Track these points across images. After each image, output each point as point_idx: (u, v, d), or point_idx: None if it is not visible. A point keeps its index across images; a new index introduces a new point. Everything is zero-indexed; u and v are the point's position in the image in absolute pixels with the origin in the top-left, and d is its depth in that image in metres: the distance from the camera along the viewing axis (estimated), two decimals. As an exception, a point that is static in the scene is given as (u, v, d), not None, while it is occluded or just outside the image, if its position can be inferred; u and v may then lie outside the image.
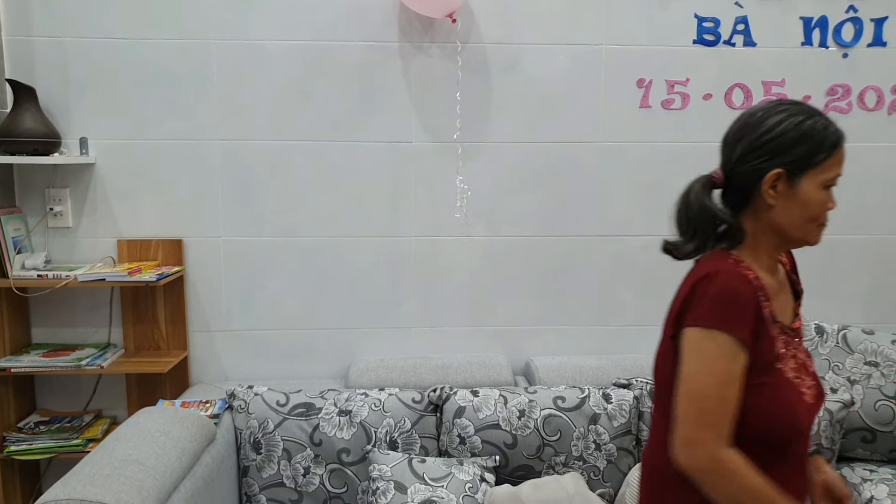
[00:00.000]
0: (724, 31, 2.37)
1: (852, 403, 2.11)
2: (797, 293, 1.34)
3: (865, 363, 2.22)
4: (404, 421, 2.06)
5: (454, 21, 2.24)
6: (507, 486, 1.96)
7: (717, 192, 1.26)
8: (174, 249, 2.36)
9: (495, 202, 2.41)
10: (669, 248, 1.28)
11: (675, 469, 1.17)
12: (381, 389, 2.13)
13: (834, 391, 2.21)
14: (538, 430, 2.05)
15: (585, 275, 2.48)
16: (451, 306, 2.47)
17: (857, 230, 2.48)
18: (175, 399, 2.21)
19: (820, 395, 1.26)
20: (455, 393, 2.09)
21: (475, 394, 2.10)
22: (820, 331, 2.33)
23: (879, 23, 2.37)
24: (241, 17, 2.28)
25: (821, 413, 2.02)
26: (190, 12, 2.27)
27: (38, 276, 2.18)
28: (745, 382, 1.16)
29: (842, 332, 2.30)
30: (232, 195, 2.36)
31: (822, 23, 2.37)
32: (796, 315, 1.30)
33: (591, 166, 2.42)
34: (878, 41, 2.39)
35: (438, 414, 2.10)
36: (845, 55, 2.40)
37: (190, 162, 2.34)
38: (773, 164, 1.18)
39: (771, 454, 1.19)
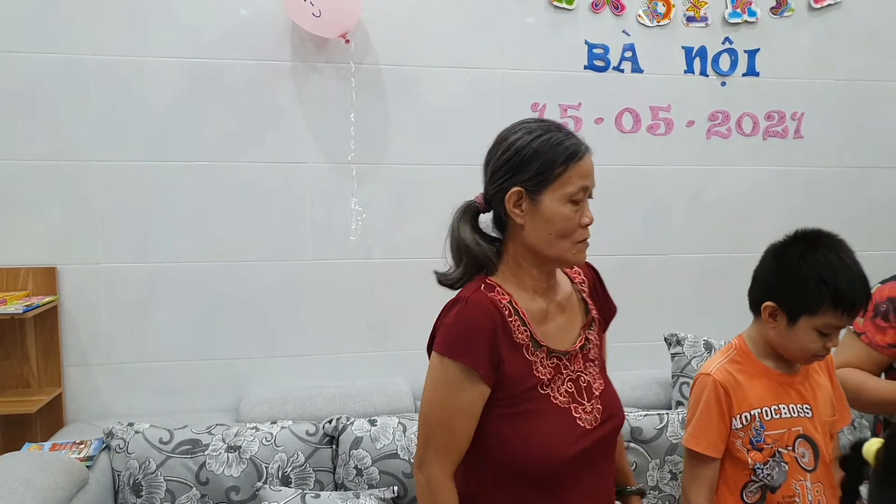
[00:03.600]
0: (613, 58, 2.45)
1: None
2: (598, 313, 1.33)
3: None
4: (297, 455, 1.97)
5: (347, 42, 2.20)
6: (405, 517, 1.90)
7: (486, 217, 1.26)
8: (46, 278, 2.18)
9: (393, 224, 2.38)
10: (440, 279, 1.29)
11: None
12: (273, 423, 2.03)
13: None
14: (437, 456, 2.01)
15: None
16: (351, 332, 2.40)
17: (740, 249, 2.60)
18: (45, 441, 2.03)
19: (610, 417, 1.23)
20: (352, 423, 2.02)
21: (373, 423, 2.03)
22: (708, 346, 2.41)
23: (752, 54, 2.52)
24: (122, 32, 2.16)
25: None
26: (66, 26, 2.13)
27: None
28: (497, 412, 1.17)
29: (728, 348, 2.39)
30: (112, 219, 2.22)
31: (702, 52, 2.50)
32: (586, 337, 1.27)
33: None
34: (751, 71, 2.53)
35: (334, 446, 2.02)
36: (723, 83, 2.53)
37: (64, 184, 2.18)
38: (512, 183, 1.18)
39: (537, 486, 1.17)
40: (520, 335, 1.19)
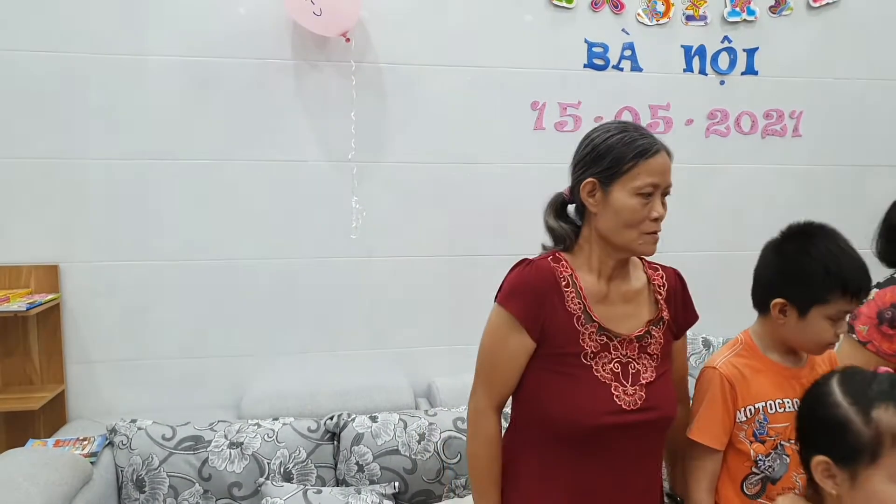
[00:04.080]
0: (613, 57, 2.46)
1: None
2: (672, 317, 1.38)
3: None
4: (299, 451, 1.98)
5: (348, 40, 2.21)
6: (405, 512, 1.92)
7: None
8: (49, 276, 2.19)
9: (393, 222, 2.39)
10: (544, 251, 1.41)
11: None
12: (275, 419, 2.05)
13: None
14: (438, 453, 2.02)
15: (487, 294, 2.47)
16: (351, 329, 2.42)
17: (738, 247, 2.62)
18: (49, 437, 2.04)
19: (653, 408, 1.29)
20: (353, 419, 2.04)
21: (374, 419, 2.05)
22: (707, 344, 2.43)
23: (751, 53, 2.54)
24: (122, 31, 2.17)
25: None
26: (66, 24, 2.14)
27: None
28: (539, 366, 1.31)
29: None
30: (113, 217, 2.23)
31: (701, 51, 2.51)
32: (648, 331, 1.34)
33: (488, 187, 2.44)
34: (750, 70, 2.55)
35: (335, 442, 2.03)
36: (722, 82, 2.54)
37: (66, 183, 2.19)
38: (587, 175, 1.31)
39: (567, 449, 1.30)
40: (572, 305, 1.31)
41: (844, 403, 1.04)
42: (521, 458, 1.36)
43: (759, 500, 1.39)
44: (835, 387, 1.08)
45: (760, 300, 1.45)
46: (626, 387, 1.29)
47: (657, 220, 1.29)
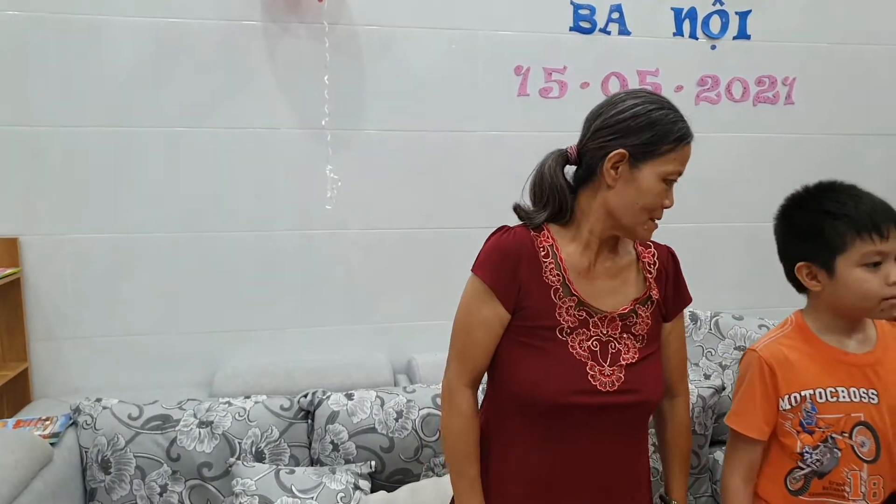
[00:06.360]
0: (600, 20, 2.36)
1: (723, 389, 2.15)
2: (662, 298, 1.31)
3: (735, 348, 2.28)
4: (272, 430, 1.91)
5: (321, 1, 2.10)
6: (382, 492, 1.85)
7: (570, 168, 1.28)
8: (8, 249, 2.09)
9: (371, 193, 2.30)
10: (522, 216, 1.31)
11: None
12: (247, 397, 1.97)
13: (707, 377, 2.25)
14: (416, 430, 1.95)
15: (469, 267, 2.40)
16: (328, 305, 2.34)
17: (727, 218, 2.55)
18: (9, 418, 1.96)
19: (632, 391, 1.22)
20: (328, 397, 1.96)
21: (349, 397, 1.98)
22: (694, 318, 2.37)
23: (744, 16, 2.44)
24: (81, -12, 2.05)
25: (694, 401, 2.04)
26: (19, -19, 2.01)
27: None
28: (512, 338, 1.25)
29: (714, 319, 2.35)
30: (77, 188, 2.13)
31: (692, 14, 2.41)
32: (634, 309, 1.27)
33: (470, 156, 2.35)
34: (742, 34, 2.45)
35: (310, 420, 1.96)
36: (713, 47, 2.45)
37: (25, 151, 2.09)
38: (618, 144, 1.19)
39: (540, 424, 1.24)
40: (551, 276, 1.24)
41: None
42: (497, 433, 1.30)
43: (801, 496, 1.29)
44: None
45: (790, 275, 1.35)
46: (603, 367, 1.22)
47: (666, 208, 1.23)
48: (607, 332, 1.24)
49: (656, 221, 1.24)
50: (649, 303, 1.29)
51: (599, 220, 1.24)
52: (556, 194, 1.26)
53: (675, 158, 1.19)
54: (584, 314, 1.24)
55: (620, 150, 1.18)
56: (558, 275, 1.24)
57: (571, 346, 1.22)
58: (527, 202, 1.30)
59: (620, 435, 1.26)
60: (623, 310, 1.26)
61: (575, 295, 1.23)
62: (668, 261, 1.35)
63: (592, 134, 1.22)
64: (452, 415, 1.29)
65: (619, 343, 1.25)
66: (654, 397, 1.27)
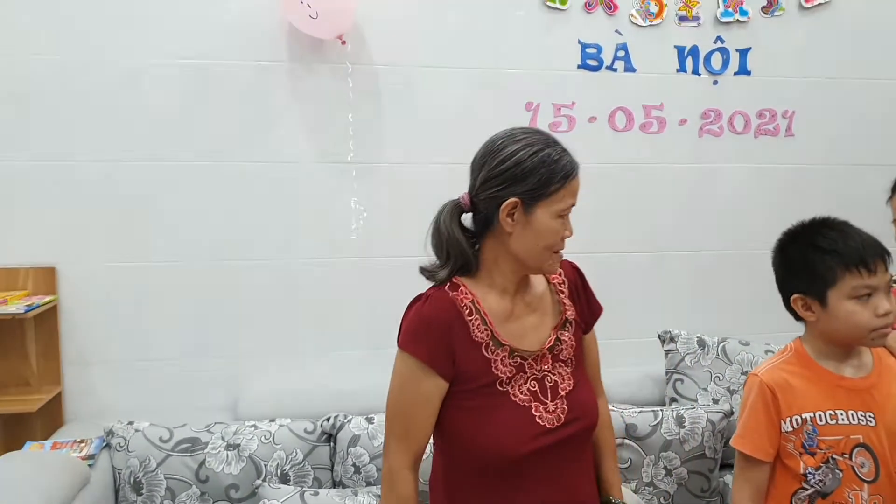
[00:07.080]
0: (606, 58, 2.47)
1: (731, 413, 2.21)
2: (579, 314, 1.34)
3: (742, 373, 2.35)
4: (296, 453, 1.99)
5: (343, 42, 2.22)
6: (402, 512, 1.92)
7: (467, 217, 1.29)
8: (46, 278, 2.20)
9: (392, 223, 2.39)
10: (428, 276, 1.30)
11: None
12: (272, 421, 2.05)
13: (716, 401, 2.32)
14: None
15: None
16: (350, 330, 2.42)
17: (731, 246, 2.63)
18: (46, 440, 2.04)
19: (576, 419, 1.25)
20: (349, 421, 2.04)
21: (370, 420, 2.05)
22: (702, 344, 2.43)
23: (744, 53, 2.55)
24: (121, 35, 2.18)
25: (703, 425, 2.11)
26: (65, 28, 2.15)
27: None
28: (454, 404, 1.23)
29: (721, 345, 2.41)
30: (111, 220, 2.23)
31: (694, 51, 2.52)
32: (557, 337, 1.29)
33: (483, 187, 2.44)
34: (743, 70, 2.56)
35: (332, 443, 2.04)
36: (715, 82, 2.55)
37: (63, 184, 2.20)
38: (508, 193, 1.20)
39: (497, 478, 1.23)
40: (479, 333, 1.24)
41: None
42: (455, 493, 1.30)
43: None
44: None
45: (787, 305, 1.43)
46: (546, 403, 1.24)
47: (566, 238, 1.25)
48: (541, 368, 1.27)
49: (561, 252, 1.26)
50: (568, 325, 1.32)
51: (508, 265, 1.26)
52: (456, 247, 1.26)
53: (564, 195, 1.20)
54: (519, 360, 1.25)
55: (512, 199, 1.19)
56: (486, 329, 1.24)
57: (513, 394, 1.23)
58: (432, 256, 1.30)
59: (573, 461, 1.29)
60: (549, 343, 1.28)
61: (506, 345, 1.24)
62: (575, 276, 1.38)
63: (482, 184, 1.23)
64: (391, 499, 1.26)
65: (554, 374, 1.27)
66: (595, 419, 1.31)
